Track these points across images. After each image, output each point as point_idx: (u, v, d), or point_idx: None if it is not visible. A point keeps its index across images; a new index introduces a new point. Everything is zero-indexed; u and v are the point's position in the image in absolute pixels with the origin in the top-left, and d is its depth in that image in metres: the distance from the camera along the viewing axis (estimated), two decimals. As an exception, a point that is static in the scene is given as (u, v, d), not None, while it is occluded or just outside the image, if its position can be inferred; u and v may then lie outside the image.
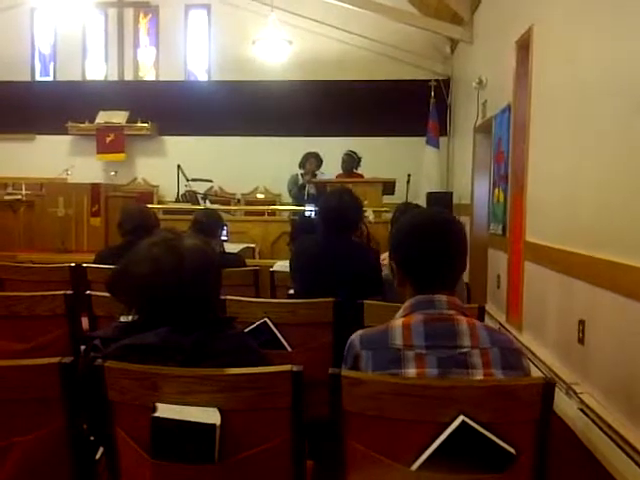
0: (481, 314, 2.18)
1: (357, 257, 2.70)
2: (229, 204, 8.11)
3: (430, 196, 7.81)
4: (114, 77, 9.29)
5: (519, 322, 4.56)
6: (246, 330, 2.22)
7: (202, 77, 9.34)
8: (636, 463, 2.49)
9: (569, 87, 3.69)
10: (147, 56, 9.34)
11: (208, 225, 3.21)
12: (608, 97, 3.06)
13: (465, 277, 6.99)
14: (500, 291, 5.29)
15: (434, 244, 1.47)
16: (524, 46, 4.69)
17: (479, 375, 1.39)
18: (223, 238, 3.47)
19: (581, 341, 3.25)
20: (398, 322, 1.46)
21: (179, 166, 6.54)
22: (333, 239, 2.69)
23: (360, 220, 2.87)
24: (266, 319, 2.19)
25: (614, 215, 2.94)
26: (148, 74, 9.38)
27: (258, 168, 8.83)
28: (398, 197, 8.03)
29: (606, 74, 3.10)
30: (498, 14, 5.76)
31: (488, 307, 5.71)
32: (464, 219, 7.34)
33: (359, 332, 1.50)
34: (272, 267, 3.31)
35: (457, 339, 1.41)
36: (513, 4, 5.19)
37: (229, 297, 2.26)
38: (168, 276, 1.39)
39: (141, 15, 9.27)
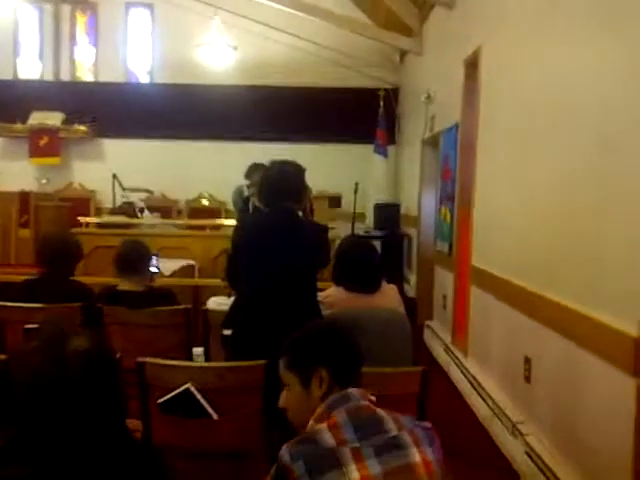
0: (424, 380, 2.02)
1: (303, 230, 2.58)
2: (170, 214, 7.80)
3: (377, 207, 7.70)
4: (49, 77, 8.79)
5: (464, 347, 4.47)
6: (166, 398, 2.00)
7: (144, 79, 8.95)
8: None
9: (517, 111, 3.60)
10: (85, 56, 8.88)
11: (135, 260, 2.95)
12: (555, 123, 2.96)
13: (412, 291, 6.95)
14: (446, 311, 5.20)
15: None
16: (472, 65, 4.59)
17: (416, 454, 1.37)
18: (153, 270, 3.21)
19: (527, 379, 3.15)
20: (322, 426, 1.39)
21: (115, 176, 6.19)
22: (276, 211, 2.54)
23: (304, 190, 2.69)
24: (189, 386, 1.97)
25: (563, 256, 2.84)
26: (86, 74, 8.92)
27: (202, 174, 8.51)
28: (346, 207, 7.92)
29: (553, 99, 3.00)
30: (447, 29, 5.66)
31: (434, 325, 5.64)
32: (411, 231, 7.27)
33: (285, 446, 1.37)
34: (206, 304, 3.08)
35: (383, 424, 1.40)
36: (461, 21, 5.09)
37: (148, 360, 2.04)
38: (49, 390, 1.15)
39: (79, 13, 8.80)
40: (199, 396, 1.99)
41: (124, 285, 2.98)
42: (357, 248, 2.95)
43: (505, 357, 3.57)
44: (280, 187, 2.55)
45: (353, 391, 1.46)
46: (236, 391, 2.02)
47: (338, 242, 4.26)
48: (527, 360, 3.14)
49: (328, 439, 1.34)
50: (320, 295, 2.82)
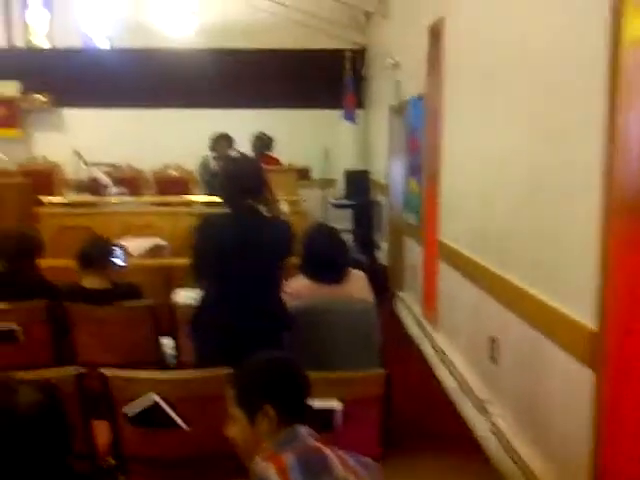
0: (388, 383, 2.05)
1: (265, 228, 2.56)
2: (137, 186, 7.65)
3: (347, 174, 7.67)
4: (3, 43, 8.42)
5: (435, 320, 4.54)
6: (133, 410, 2.00)
7: (102, 44, 8.64)
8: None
9: (479, 83, 3.57)
10: (39, 20, 8.51)
11: (97, 256, 2.92)
12: (518, 96, 2.95)
13: (383, 258, 7.00)
14: (416, 282, 5.26)
15: None
16: (436, 33, 4.51)
17: None
18: (119, 263, 3.16)
19: (493, 359, 3.22)
20: (270, 468, 1.38)
21: (77, 152, 6.03)
22: (238, 209, 2.51)
23: (263, 184, 2.65)
24: (155, 398, 1.98)
25: (522, 239, 2.88)
26: (41, 40, 8.57)
27: (168, 143, 8.34)
28: (315, 175, 7.87)
29: (515, 70, 2.98)
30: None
31: (405, 295, 5.71)
32: (381, 199, 7.27)
33: None
34: (173, 296, 3.06)
35: (330, 466, 1.41)
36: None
37: (111, 372, 2.02)
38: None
39: (29, -26, 8.40)
40: (166, 407, 1.99)
41: (87, 282, 2.95)
42: (322, 238, 2.94)
43: (472, 334, 3.64)
44: (238, 183, 2.50)
45: (301, 430, 1.46)
46: (205, 400, 2.03)
47: (305, 223, 4.26)
48: (492, 340, 3.21)
49: None
50: (286, 285, 2.83)
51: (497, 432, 3.00)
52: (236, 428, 1.51)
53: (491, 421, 3.08)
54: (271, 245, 2.51)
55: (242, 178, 2.55)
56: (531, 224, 2.77)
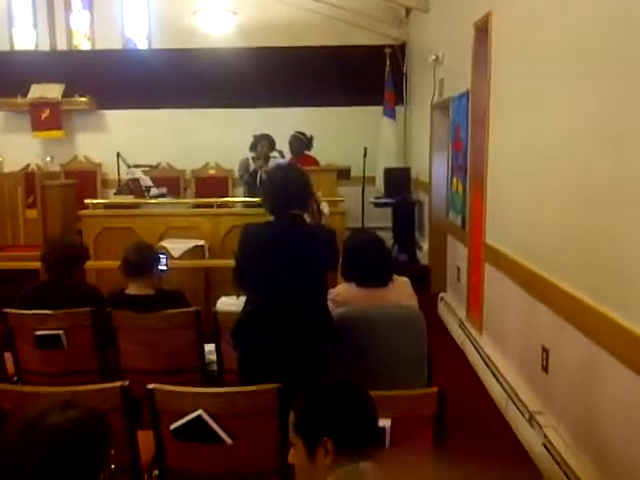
0: (441, 401, 1.96)
1: (309, 237, 2.50)
2: (177, 185, 7.70)
3: (387, 172, 7.55)
4: (45, 46, 8.56)
5: (480, 323, 4.42)
6: (178, 424, 1.97)
7: (142, 45, 8.69)
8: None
9: (530, 83, 3.43)
10: (81, 22, 8.61)
11: (142, 264, 2.90)
12: (572, 96, 2.81)
13: (424, 259, 6.87)
14: (460, 284, 5.13)
15: None
16: (482, 30, 4.37)
17: None
18: (162, 268, 3.15)
19: (545, 369, 3.10)
20: None
21: (119, 154, 6.08)
22: (283, 219, 2.46)
23: (309, 195, 2.59)
24: (201, 412, 1.94)
25: (575, 244, 2.74)
26: (83, 42, 8.67)
27: (207, 142, 8.36)
28: (355, 172, 7.77)
29: (572, 65, 2.83)
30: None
31: (449, 298, 5.58)
32: (423, 197, 7.14)
33: None
34: (215, 306, 3.03)
35: None
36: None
37: (157, 387, 1.99)
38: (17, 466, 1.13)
39: (71, -23, 8.50)
40: (211, 421, 1.95)
41: (132, 289, 2.94)
42: (365, 243, 2.87)
43: (521, 342, 3.51)
44: (284, 194, 2.45)
45: (365, 466, 1.37)
46: (250, 415, 1.98)
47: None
48: (544, 350, 3.08)
49: None
50: (331, 292, 2.77)
51: (549, 445, 2.88)
52: (295, 456, 1.43)
53: (543, 433, 2.96)
54: (315, 255, 2.44)
55: (289, 189, 2.48)
56: (588, 229, 2.63)
